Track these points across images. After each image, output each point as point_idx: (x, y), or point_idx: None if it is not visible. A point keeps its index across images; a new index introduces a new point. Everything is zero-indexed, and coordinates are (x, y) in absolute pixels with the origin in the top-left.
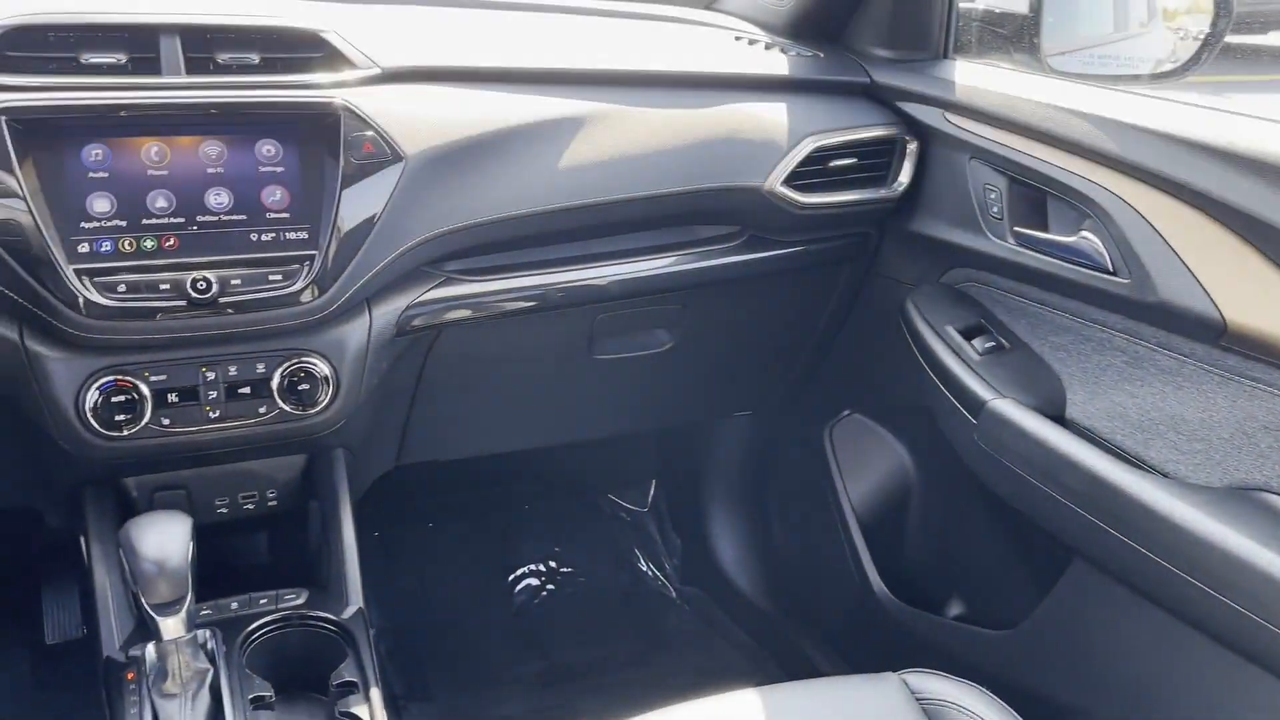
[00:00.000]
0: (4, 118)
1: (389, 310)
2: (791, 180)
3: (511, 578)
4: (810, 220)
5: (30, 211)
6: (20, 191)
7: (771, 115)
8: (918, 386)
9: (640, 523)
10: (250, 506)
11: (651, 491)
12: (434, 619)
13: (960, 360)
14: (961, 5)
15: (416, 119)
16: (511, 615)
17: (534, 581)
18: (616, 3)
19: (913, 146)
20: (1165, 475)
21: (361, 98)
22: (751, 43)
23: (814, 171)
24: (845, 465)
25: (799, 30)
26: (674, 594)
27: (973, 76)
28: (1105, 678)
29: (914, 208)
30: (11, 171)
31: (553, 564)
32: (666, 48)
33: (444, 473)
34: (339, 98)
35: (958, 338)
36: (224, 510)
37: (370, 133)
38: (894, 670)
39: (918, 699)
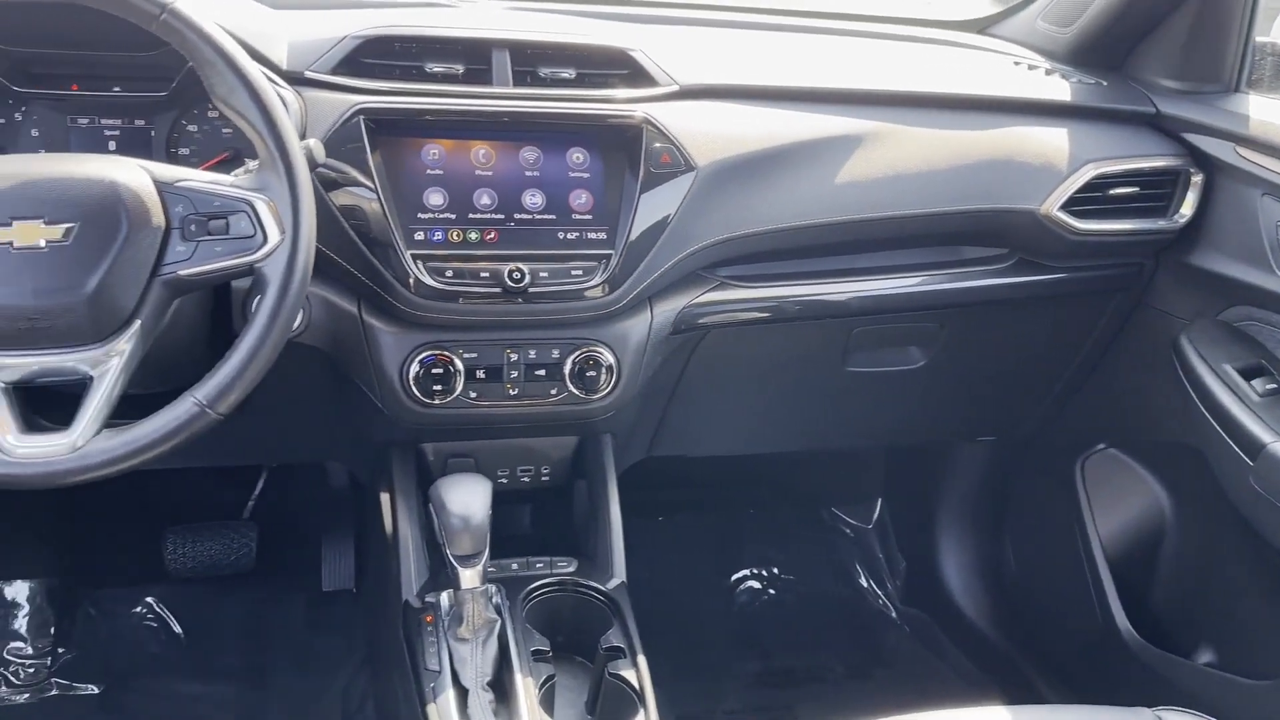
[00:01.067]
0: (361, 116)
1: (668, 309)
2: (1069, 206)
3: (734, 578)
4: (1084, 247)
5: (379, 200)
6: (372, 182)
7: (1051, 140)
8: (1186, 424)
9: (863, 539)
10: (526, 479)
11: (877, 509)
12: (659, 607)
13: (1238, 400)
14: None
15: (709, 133)
16: (732, 613)
17: (755, 585)
18: (894, 26)
19: (1198, 179)
20: None
21: (661, 112)
22: (1031, 68)
23: (1092, 198)
24: (1096, 499)
25: (1080, 57)
26: (894, 613)
27: (1269, 112)
28: None
29: (1194, 241)
30: (366, 164)
31: (774, 570)
32: (943, 70)
33: (679, 469)
34: (641, 111)
35: (1236, 377)
36: (504, 480)
37: (668, 144)
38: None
39: None
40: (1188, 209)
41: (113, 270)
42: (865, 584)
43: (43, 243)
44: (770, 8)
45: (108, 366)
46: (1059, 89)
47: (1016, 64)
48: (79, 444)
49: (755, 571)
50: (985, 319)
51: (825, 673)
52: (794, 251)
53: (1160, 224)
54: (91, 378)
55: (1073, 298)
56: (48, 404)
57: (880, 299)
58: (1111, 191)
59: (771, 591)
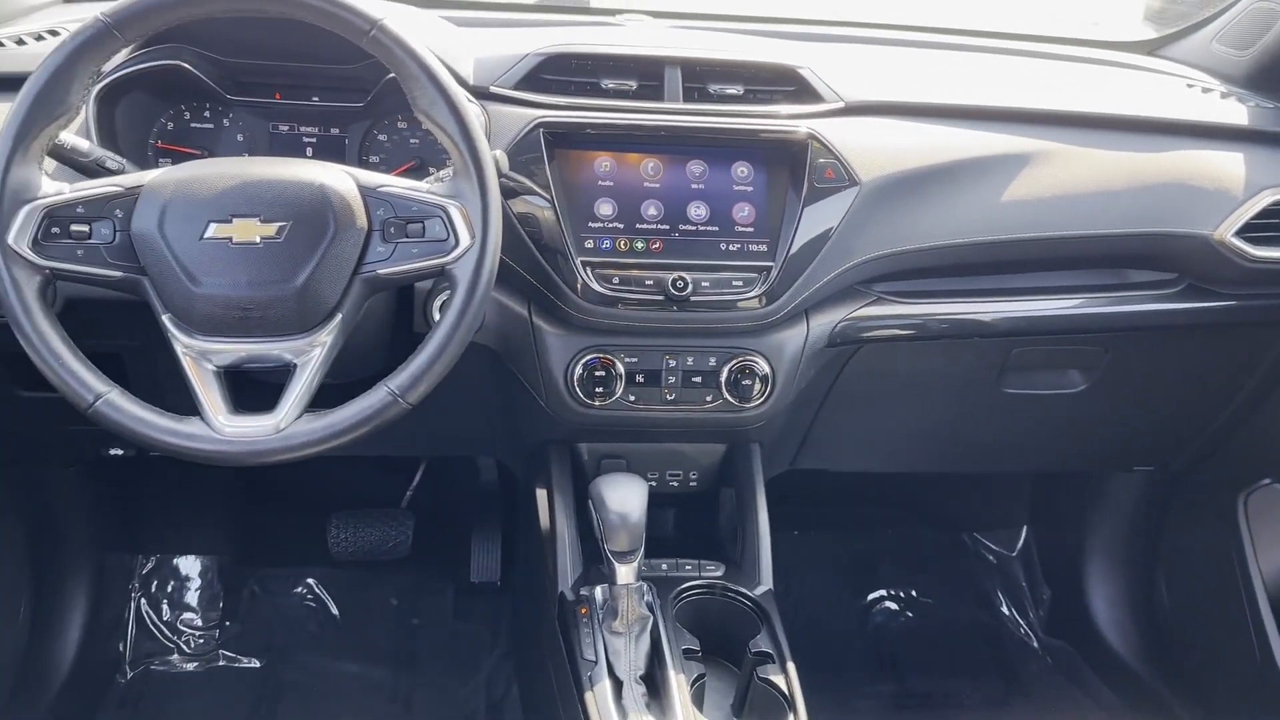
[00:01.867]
0: (541, 129)
1: (824, 322)
2: (1244, 232)
3: (870, 597)
4: (1258, 274)
5: (554, 209)
6: (548, 192)
7: (1226, 164)
8: None
9: (1006, 565)
10: (675, 483)
11: (1022, 535)
12: (792, 622)
13: None
14: None
15: (873, 149)
16: (867, 633)
17: (892, 605)
18: (1061, 46)
19: None
20: None
21: (826, 127)
22: (1205, 90)
23: (1269, 225)
24: (1259, 536)
25: (1259, 81)
26: (1036, 643)
27: None
28: None
29: None
30: (544, 174)
31: (912, 592)
32: (1113, 91)
33: (818, 483)
34: (806, 127)
35: None
36: (653, 482)
37: (832, 160)
38: None
39: None
40: None
41: (320, 267)
42: (1007, 611)
43: (259, 239)
44: (936, 25)
45: (310, 356)
46: (1235, 112)
47: (1190, 86)
48: (282, 426)
49: (892, 592)
50: (1151, 345)
51: (962, 699)
52: (955, 269)
53: None
54: (295, 365)
55: (1244, 326)
56: (240, 390)
57: (1041, 320)
58: None
59: (909, 614)
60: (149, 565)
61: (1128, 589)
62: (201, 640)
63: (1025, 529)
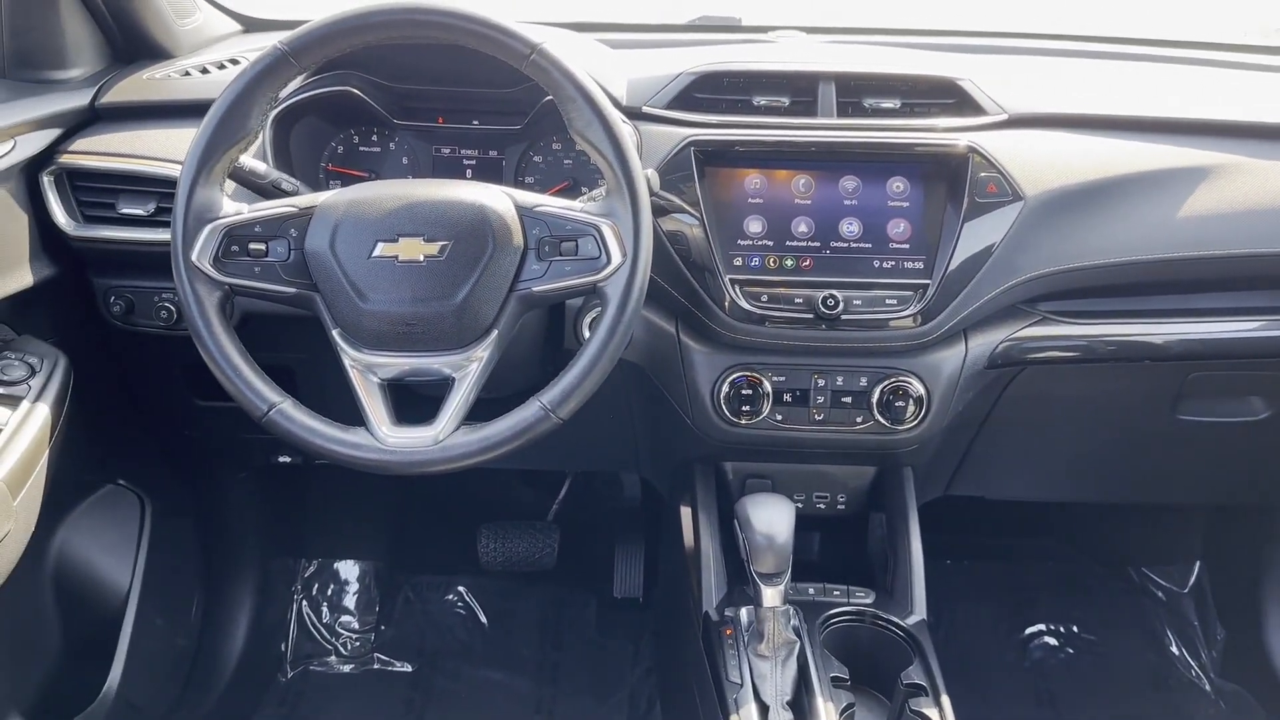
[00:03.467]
0: (692, 148)
1: (985, 342)
2: None
3: (1028, 631)
4: None
5: (703, 226)
6: (698, 210)
7: None
8: None
9: (1177, 603)
10: (822, 506)
11: (1195, 572)
12: (947, 652)
13: None
14: None
15: (1039, 162)
16: (1025, 668)
17: (1051, 641)
18: (1229, 53)
19: None
20: None
21: (988, 140)
22: None
23: None
24: None
25: None
26: (1208, 685)
27: None
28: None
29: None
30: (694, 192)
31: (1074, 627)
32: None
33: (975, 511)
34: (966, 140)
35: None
36: (800, 504)
37: (994, 173)
38: None
39: None
40: None
41: (479, 284)
42: (1176, 651)
43: (422, 258)
44: (1100, 35)
45: (468, 370)
46: None
47: None
48: (441, 438)
49: (1052, 627)
50: None
51: None
52: (1126, 288)
53: None
54: (454, 379)
55: None
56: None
57: (1220, 343)
58: None
59: (1070, 650)
60: (311, 569)
61: None
62: (358, 643)
63: (1198, 564)
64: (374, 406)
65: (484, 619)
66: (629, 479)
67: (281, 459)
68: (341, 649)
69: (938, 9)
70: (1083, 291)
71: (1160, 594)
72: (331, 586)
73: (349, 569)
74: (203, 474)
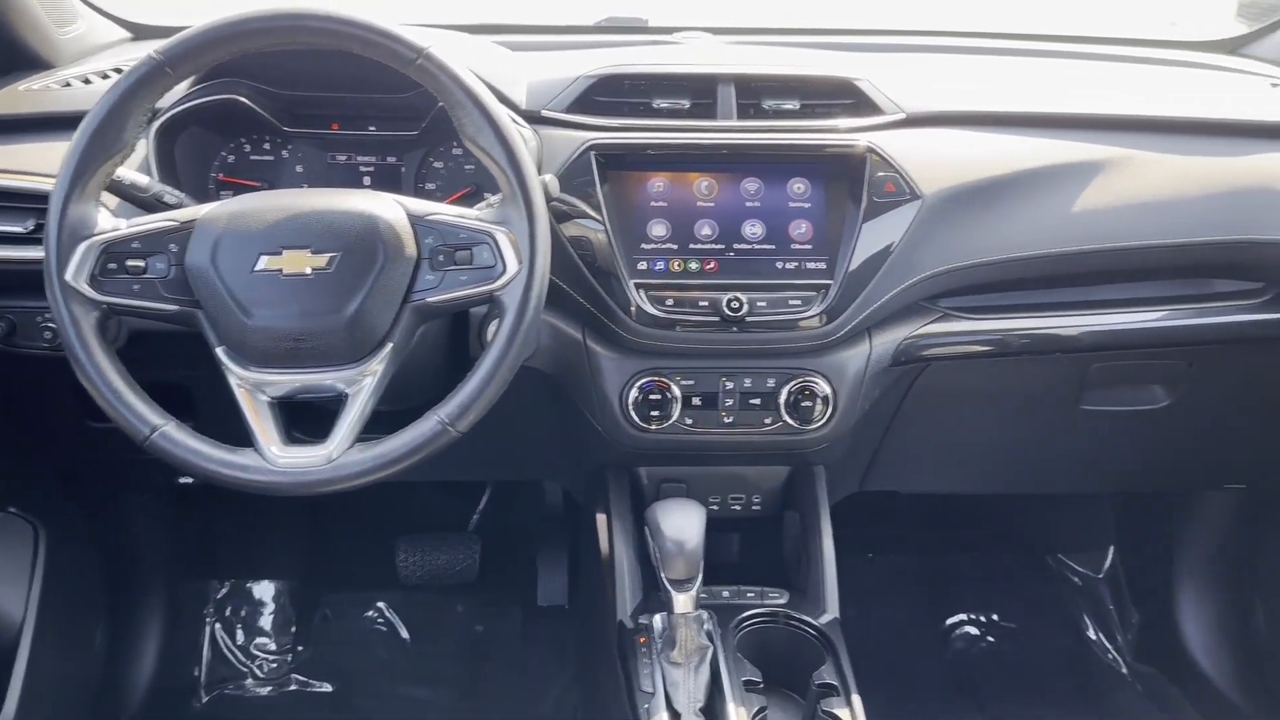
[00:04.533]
0: (593, 152)
1: (888, 340)
2: None
3: (949, 622)
4: None
5: (606, 232)
6: (600, 215)
7: None
8: None
9: (1093, 588)
10: (737, 507)
11: (1109, 558)
12: (868, 646)
13: None
14: None
15: (935, 160)
16: (946, 659)
17: (972, 630)
18: (1137, 48)
19: None
20: None
21: (886, 140)
22: None
23: None
24: None
25: None
26: (1125, 669)
27: None
28: None
29: None
30: (596, 197)
31: (993, 616)
32: (1191, 93)
33: (892, 505)
34: (865, 140)
35: None
36: (715, 507)
37: (892, 173)
38: None
39: None
40: None
41: (370, 296)
42: (1094, 636)
43: (309, 270)
44: (999, 31)
45: (361, 385)
46: None
47: (1275, 85)
48: (334, 456)
49: (972, 617)
50: (1238, 357)
51: None
52: (1024, 283)
53: None
54: (346, 395)
55: None
56: (295, 419)
57: (1118, 334)
58: None
59: (989, 638)
60: (223, 590)
61: (1221, 612)
62: (275, 664)
63: (1112, 550)
64: (263, 426)
65: (405, 635)
66: (551, 485)
67: (182, 480)
68: (258, 671)
69: (847, 8)
70: (982, 287)
71: (1077, 580)
72: (246, 608)
73: (263, 589)
74: (102, 498)
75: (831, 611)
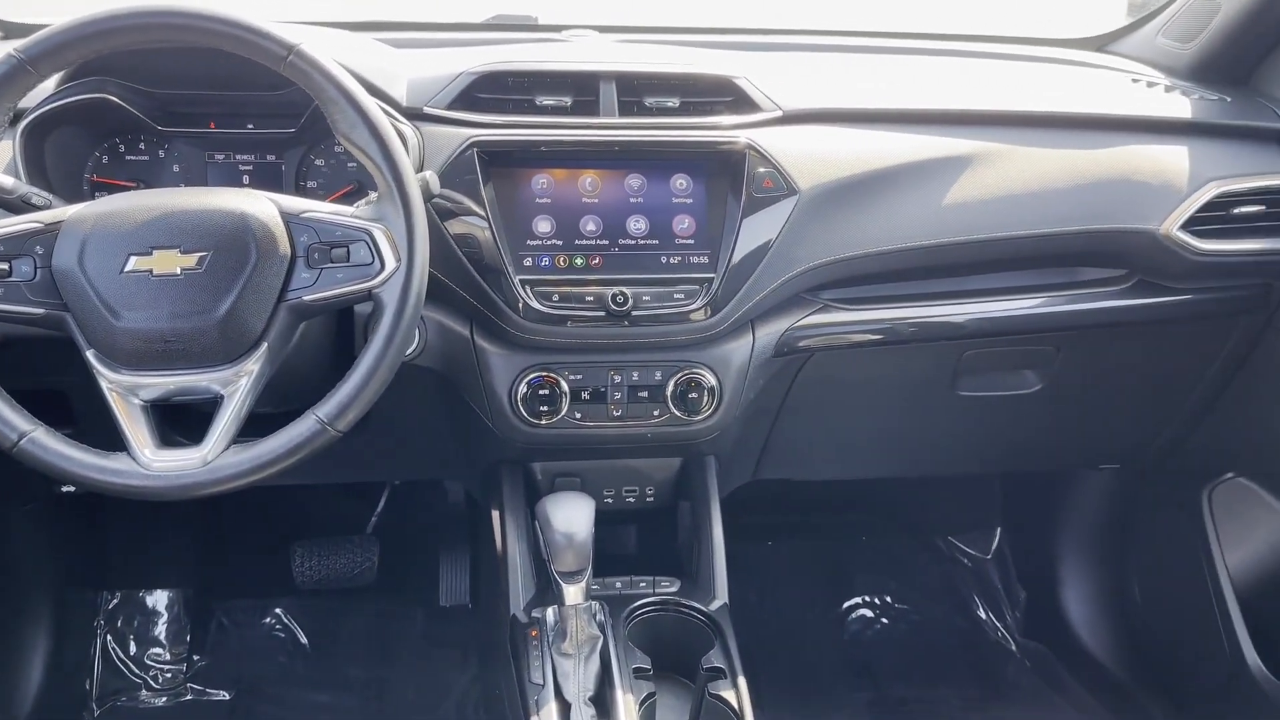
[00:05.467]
0: (475, 149)
1: (770, 332)
2: (1190, 225)
3: (845, 605)
4: (1206, 268)
5: (490, 229)
6: (484, 211)
7: (1171, 158)
8: None
9: (981, 568)
10: (631, 499)
11: (996, 538)
12: (767, 631)
13: None
14: None
15: (812, 156)
16: (843, 641)
17: (867, 613)
18: (1009, 45)
19: None
20: None
21: (764, 137)
22: (1150, 85)
23: (1215, 217)
24: (1225, 531)
25: (1203, 73)
26: (1013, 645)
27: None
28: None
29: None
30: (480, 194)
31: (887, 598)
32: (1057, 89)
33: (789, 492)
34: (745, 137)
35: None
36: (610, 499)
37: (770, 169)
38: None
39: None
40: None
41: (243, 296)
42: (983, 615)
43: (179, 270)
44: (879, 30)
45: (237, 386)
46: (1179, 106)
47: (1135, 81)
48: (210, 459)
49: (867, 599)
50: (1104, 342)
51: (940, 705)
52: (900, 274)
53: None
54: (222, 396)
55: (1197, 320)
56: (177, 422)
57: (992, 321)
58: (1236, 210)
59: (884, 620)
60: (114, 601)
61: (1101, 588)
62: (169, 675)
63: (998, 531)
64: (136, 430)
65: (304, 640)
66: (452, 485)
67: (64, 489)
68: (152, 682)
69: (738, 5)
70: (861, 279)
71: (966, 561)
72: (138, 618)
73: (156, 598)
74: None
75: (721, 598)
